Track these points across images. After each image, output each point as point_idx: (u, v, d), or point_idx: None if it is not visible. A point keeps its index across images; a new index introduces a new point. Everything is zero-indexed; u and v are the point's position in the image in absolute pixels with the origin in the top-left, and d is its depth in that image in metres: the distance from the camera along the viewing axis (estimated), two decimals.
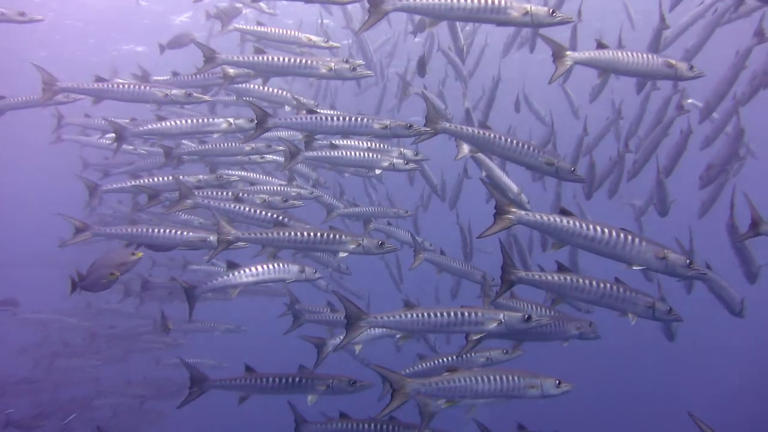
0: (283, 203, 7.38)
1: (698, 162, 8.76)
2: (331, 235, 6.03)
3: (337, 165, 7.73)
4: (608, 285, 4.95)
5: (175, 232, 6.44)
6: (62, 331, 13.33)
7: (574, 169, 5.59)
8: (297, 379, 5.77)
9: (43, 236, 12.51)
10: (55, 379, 12.70)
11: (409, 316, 4.97)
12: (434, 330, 5.07)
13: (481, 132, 5.51)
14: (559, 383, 4.84)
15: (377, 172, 7.57)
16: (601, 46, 5.45)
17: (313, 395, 5.80)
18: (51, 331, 13.52)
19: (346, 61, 6.80)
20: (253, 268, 6.14)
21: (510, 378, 4.82)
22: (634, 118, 9.80)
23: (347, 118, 6.13)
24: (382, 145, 7.57)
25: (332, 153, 7.01)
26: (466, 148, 5.74)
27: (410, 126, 6.05)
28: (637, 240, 4.52)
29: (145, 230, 6.49)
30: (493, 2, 4.86)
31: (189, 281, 6.42)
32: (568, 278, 4.93)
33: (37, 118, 8.88)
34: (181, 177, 7.14)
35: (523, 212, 4.64)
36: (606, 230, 4.51)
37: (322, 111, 6.63)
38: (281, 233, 5.98)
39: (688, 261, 4.56)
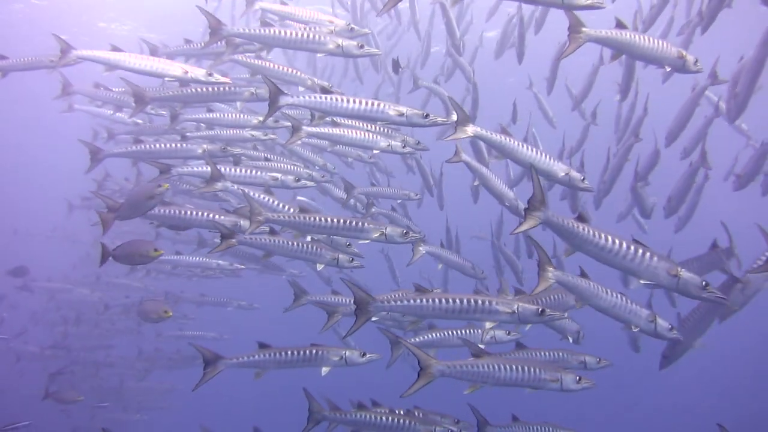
0: (295, 182, 7.42)
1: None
2: (356, 223, 6.20)
3: (338, 143, 7.73)
4: (622, 297, 4.91)
5: (207, 215, 6.55)
6: (73, 303, 13.65)
7: (584, 179, 5.77)
8: (312, 352, 5.86)
9: (62, 209, 12.71)
10: (69, 344, 13.06)
11: (420, 301, 4.95)
12: (445, 316, 5.04)
13: (507, 139, 5.70)
14: (580, 379, 4.93)
15: (374, 152, 7.68)
16: (620, 25, 5.44)
17: (327, 367, 5.91)
18: (62, 302, 13.85)
19: (361, 45, 6.79)
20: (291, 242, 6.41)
21: (533, 369, 4.90)
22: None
23: (364, 102, 6.03)
24: (384, 129, 7.49)
25: (333, 131, 7.02)
26: (462, 154, 6.21)
27: (427, 115, 6.03)
28: (649, 254, 4.40)
29: (177, 211, 6.58)
30: None
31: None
32: (591, 284, 4.91)
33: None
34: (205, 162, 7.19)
35: (550, 213, 4.54)
36: (618, 241, 4.42)
37: (337, 92, 6.53)
38: (308, 218, 6.14)
39: (703, 282, 4.40)
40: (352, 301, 5.30)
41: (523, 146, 5.72)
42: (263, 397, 22.04)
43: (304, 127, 6.71)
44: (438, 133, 11.66)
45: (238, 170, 7.21)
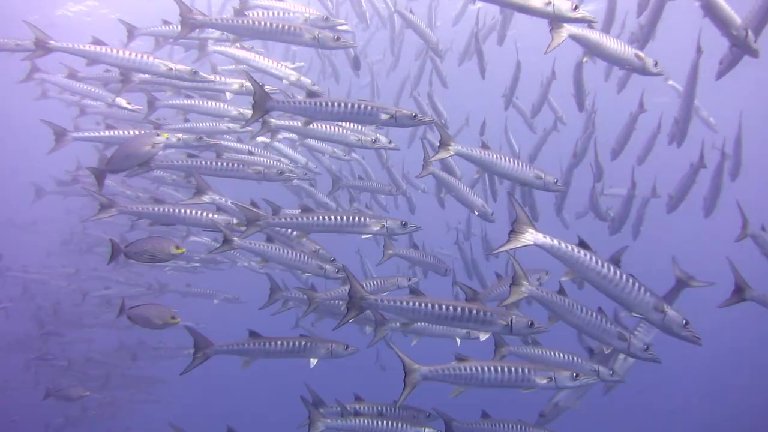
0: (278, 175, 7.41)
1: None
2: (357, 218, 6.31)
3: (308, 137, 7.74)
4: (595, 314, 5.05)
5: (202, 214, 6.52)
6: (49, 293, 13.60)
7: (557, 181, 6.22)
8: (300, 343, 6.07)
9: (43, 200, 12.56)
10: (46, 336, 12.90)
11: (414, 304, 4.95)
12: (438, 321, 5.07)
13: (487, 154, 6.05)
14: (576, 375, 4.85)
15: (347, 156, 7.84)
16: (591, 27, 5.79)
17: (314, 358, 6.14)
18: (37, 293, 13.75)
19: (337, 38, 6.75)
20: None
21: (521, 370, 4.86)
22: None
23: (351, 105, 5.91)
24: (357, 127, 7.53)
25: (316, 126, 7.02)
26: (431, 167, 6.44)
27: (415, 116, 6.02)
28: (642, 289, 4.55)
29: (171, 210, 6.55)
30: None
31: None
32: (565, 300, 5.05)
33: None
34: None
35: (540, 234, 4.53)
36: (617, 272, 4.53)
37: (323, 95, 6.53)
38: (310, 217, 6.23)
39: (684, 321, 4.59)
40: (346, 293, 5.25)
41: (501, 159, 6.10)
42: (253, 389, 22.38)
43: (273, 120, 6.72)
44: (409, 138, 12.14)
45: (221, 163, 7.09)
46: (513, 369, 4.87)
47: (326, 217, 6.28)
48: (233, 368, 6.41)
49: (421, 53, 12.74)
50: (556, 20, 5.22)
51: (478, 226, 12.43)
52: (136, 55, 6.71)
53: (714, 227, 10.88)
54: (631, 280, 4.53)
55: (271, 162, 7.74)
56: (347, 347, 6.24)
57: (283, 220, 6.25)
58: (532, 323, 4.96)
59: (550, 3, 4.98)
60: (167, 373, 13.79)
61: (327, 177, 9.85)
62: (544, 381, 4.79)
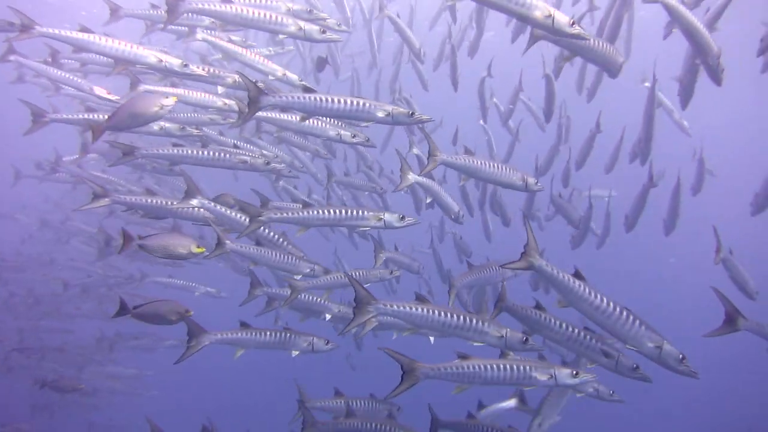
0: (264, 165, 7.41)
1: None
2: (356, 212, 6.47)
3: (286, 129, 7.76)
4: (576, 330, 5.15)
5: (195, 209, 6.49)
6: (26, 282, 13.42)
7: (537, 182, 6.67)
8: (285, 335, 6.50)
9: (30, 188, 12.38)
10: (21, 326, 12.91)
11: (419, 310, 5.12)
12: (439, 329, 5.21)
13: (471, 161, 6.41)
14: (576, 373, 4.90)
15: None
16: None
17: (296, 351, 6.59)
18: (10, 280, 13.63)
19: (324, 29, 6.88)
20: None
21: (522, 367, 4.93)
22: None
23: (349, 102, 5.92)
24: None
25: (282, 116, 7.05)
26: (411, 177, 6.79)
27: (412, 114, 6.10)
28: (637, 322, 4.64)
29: (166, 203, 6.58)
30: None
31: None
32: (543, 315, 5.16)
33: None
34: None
35: (544, 262, 4.79)
36: (611, 304, 4.66)
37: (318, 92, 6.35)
38: (311, 212, 6.35)
39: (681, 356, 4.65)
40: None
41: (485, 164, 6.45)
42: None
43: (266, 97, 6.63)
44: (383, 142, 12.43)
45: (206, 153, 7.08)
46: (514, 367, 4.93)
47: (327, 211, 6.40)
48: (222, 360, 6.55)
49: (396, 57, 13.07)
50: (553, 34, 5.34)
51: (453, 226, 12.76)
52: (125, 45, 6.61)
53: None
54: (625, 313, 4.63)
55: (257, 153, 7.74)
56: (328, 342, 6.67)
57: (284, 215, 6.37)
58: (526, 339, 5.13)
59: (549, 16, 5.12)
60: (148, 365, 13.90)
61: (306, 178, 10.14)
62: (545, 378, 4.87)
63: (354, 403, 7.16)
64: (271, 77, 7.98)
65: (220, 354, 6.65)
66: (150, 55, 6.65)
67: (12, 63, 8.45)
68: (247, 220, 6.35)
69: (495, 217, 11.53)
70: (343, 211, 6.43)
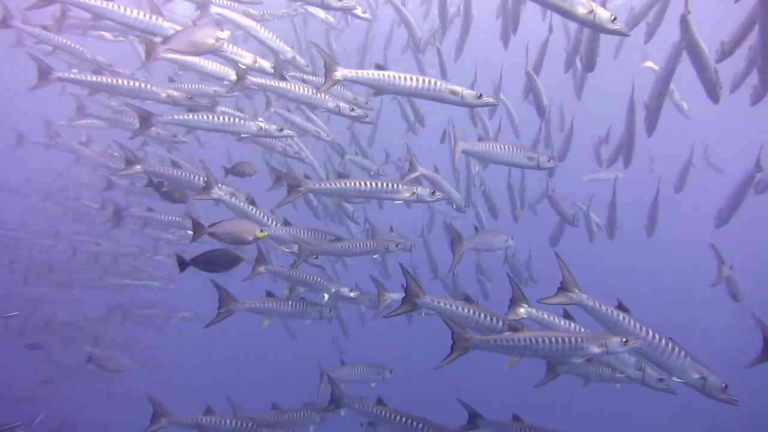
0: (278, 131, 7.51)
1: None
2: (391, 185, 6.71)
3: (284, 97, 7.70)
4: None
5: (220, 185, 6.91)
6: (32, 253, 13.57)
7: (549, 159, 6.97)
8: (301, 305, 7.18)
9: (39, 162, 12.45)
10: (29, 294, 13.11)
11: (463, 310, 5.35)
12: (481, 331, 5.33)
13: (489, 145, 6.83)
14: (626, 341, 4.79)
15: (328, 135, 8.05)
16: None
17: (309, 319, 7.39)
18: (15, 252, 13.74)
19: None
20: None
21: (574, 339, 4.86)
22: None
23: (422, 80, 5.93)
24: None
25: (280, 84, 7.07)
26: (419, 167, 7.19)
27: (480, 95, 6.08)
28: (683, 354, 4.74)
29: (193, 176, 7.04)
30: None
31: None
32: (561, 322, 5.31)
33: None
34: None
35: (584, 296, 4.93)
36: (657, 336, 4.77)
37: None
38: (348, 183, 6.59)
39: (724, 386, 4.72)
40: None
41: (501, 148, 6.85)
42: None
43: (249, 77, 6.78)
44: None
45: (221, 118, 7.18)
46: (567, 339, 4.85)
47: (363, 183, 6.61)
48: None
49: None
50: (595, 29, 5.45)
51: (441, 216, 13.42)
52: (143, 15, 6.59)
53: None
54: (671, 345, 4.74)
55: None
56: (330, 310, 7.41)
57: (322, 185, 6.64)
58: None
59: (592, 11, 5.21)
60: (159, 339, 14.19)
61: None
62: (597, 348, 4.79)
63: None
64: (281, 57, 7.95)
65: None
66: (169, 27, 6.60)
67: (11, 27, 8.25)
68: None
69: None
70: (379, 184, 6.67)
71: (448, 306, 5.37)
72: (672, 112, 10.35)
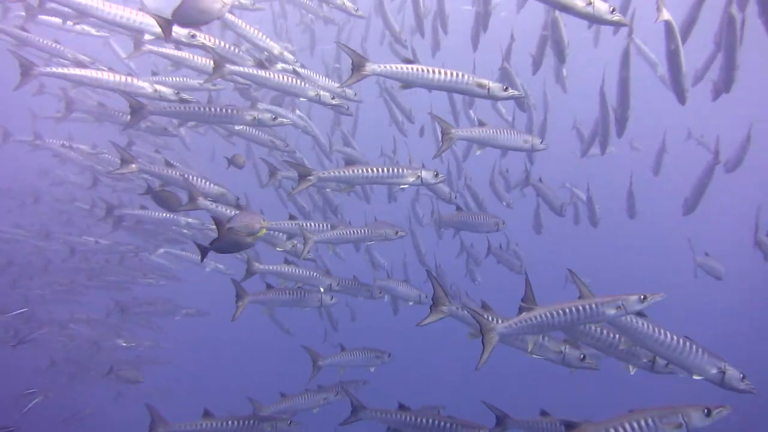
0: (272, 120, 7.60)
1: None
2: (397, 170, 6.92)
3: (263, 86, 7.66)
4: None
5: (212, 186, 7.37)
6: (24, 253, 13.46)
7: (542, 141, 7.11)
8: (303, 293, 7.85)
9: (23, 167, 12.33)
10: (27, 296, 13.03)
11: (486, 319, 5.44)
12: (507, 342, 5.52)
13: (486, 130, 6.86)
14: (644, 297, 4.85)
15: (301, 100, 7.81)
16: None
17: (311, 306, 7.99)
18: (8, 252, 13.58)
19: None
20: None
21: (590, 305, 4.92)
22: None
23: (448, 73, 5.99)
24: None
25: (260, 73, 7.04)
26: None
27: (506, 88, 6.20)
28: (700, 351, 4.88)
29: (186, 175, 7.31)
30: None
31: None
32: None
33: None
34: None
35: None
36: (674, 337, 4.93)
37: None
38: (355, 170, 6.85)
39: (742, 376, 4.83)
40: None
41: (498, 132, 6.91)
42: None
43: (228, 66, 6.78)
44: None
45: (215, 109, 7.26)
46: (583, 307, 4.93)
47: (369, 170, 6.89)
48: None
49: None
50: (594, 22, 5.47)
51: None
52: (129, 12, 6.46)
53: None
54: (688, 344, 4.88)
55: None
56: (332, 298, 8.01)
57: (332, 173, 6.90)
58: (584, 357, 5.51)
59: (590, 4, 5.26)
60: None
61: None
62: (614, 310, 4.84)
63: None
64: (265, 54, 8.02)
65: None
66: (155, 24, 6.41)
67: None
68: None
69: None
70: (385, 169, 6.89)
71: (468, 312, 5.56)
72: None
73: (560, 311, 4.93)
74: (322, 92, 7.43)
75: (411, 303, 9.27)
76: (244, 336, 21.12)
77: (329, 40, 13.96)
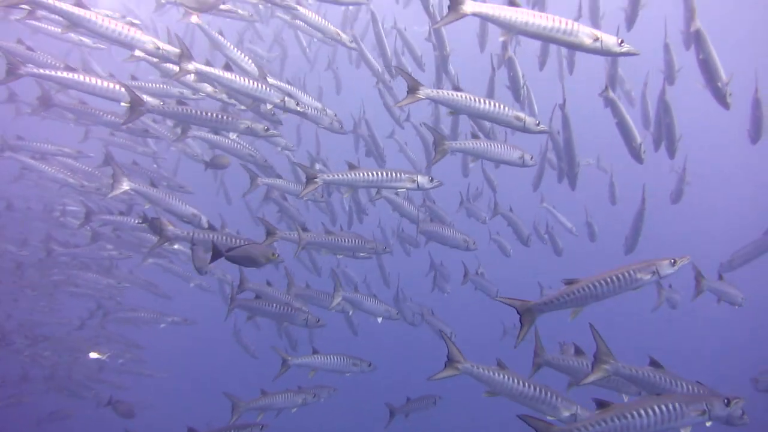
0: (264, 132, 7.93)
1: None
2: (395, 174, 7.27)
3: (229, 89, 7.59)
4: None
5: (185, 206, 7.70)
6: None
7: (538, 123, 7.05)
8: (289, 309, 8.11)
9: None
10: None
11: (499, 376, 5.72)
12: (515, 398, 5.70)
13: (479, 143, 7.17)
14: (674, 261, 5.04)
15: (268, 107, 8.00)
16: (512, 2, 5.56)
17: (295, 324, 8.30)
18: None
19: None
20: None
21: (625, 273, 5.06)
22: None
23: (492, 104, 6.46)
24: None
25: (225, 74, 7.09)
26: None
27: (538, 123, 6.78)
28: (703, 391, 5.07)
29: (168, 197, 7.67)
30: (566, 25, 5.29)
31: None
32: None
33: None
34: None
35: (620, 364, 5.24)
36: (685, 384, 5.19)
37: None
38: (357, 174, 7.23)
39: (742, 412, 5.22)
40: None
41: (492, 146, 7.16)
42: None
43: (194, 64, 6.83)
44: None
45: (210, 114, 7.46)
46: (620, 275, 5.08)
47: (370, 173, 7.28)
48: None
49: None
50: (604, 55, 5.58)
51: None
52: (122, 28, 6.49)
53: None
54: (696, 388, 5.15)
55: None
56: (318, 320, 8.22)
57: (335, 176, 7.33)
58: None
59: (598, 39, 5.33)
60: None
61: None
62: (649, 276, 5.05)
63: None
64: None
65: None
66: (148, 41, 6.61)
67: None
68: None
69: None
70: (385, 173, 7.27)
71: (486, 372, 5.78)
72: None
73: (600, 282, 5.06)
74: (286, 98, 7.58)
75: (380, 319, 9.38)
76: (223, 345, 21.09)
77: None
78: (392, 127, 13.28)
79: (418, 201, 10.93)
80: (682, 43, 8.65)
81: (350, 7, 12.78)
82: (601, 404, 4.77)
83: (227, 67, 7.15)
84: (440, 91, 6.35)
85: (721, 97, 7.59)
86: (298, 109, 7.87)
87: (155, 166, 11.00)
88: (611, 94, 8.36)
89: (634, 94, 12.60)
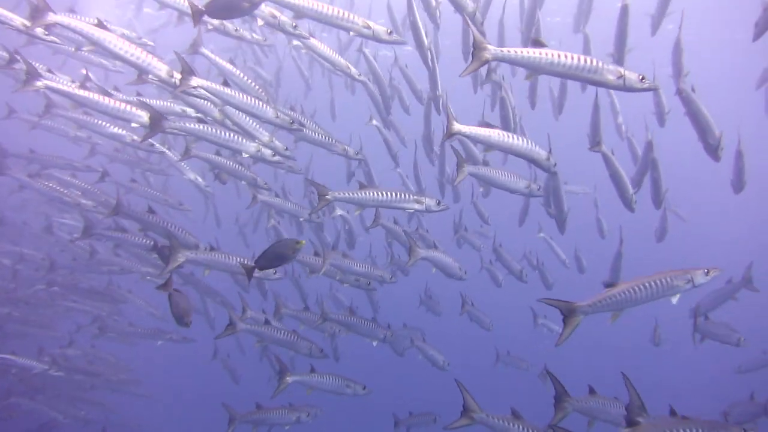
0: (271, 157, 8.00)
1: None
2: (404, 195, 7.51)
3: (228, 104, 7.39)
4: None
5: (186, 235, 8.28)
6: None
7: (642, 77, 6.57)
8: (293, 337, 8.32)
9: None
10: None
11: (514, 426, 6.03)
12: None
13: (492, 171, 7.37)
14: (708, 272, 5.32)
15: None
16: (537, 43, 5.51)
17: (298, 352, 8.47)
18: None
19: None
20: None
21: (662, 280, 5.29)
22: None
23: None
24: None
25: (225, 90, 7.04)
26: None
27: (643, 78, 5.53)
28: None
29: (163, 222, 8.28)
30: (590, 63, 5.36)
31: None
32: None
33: None
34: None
35: (650, 416, 5.35)
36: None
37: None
38: (366, 193, 7.45)
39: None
40: None
41: (502, 174, 7.37)
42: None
43: (194, 78, 6.78)
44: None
45: (228, 134, 7.58)
46: (658, 282, 5.32)
47: (380, 193, 7.49)
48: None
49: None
50: (626, 91, 5.58)
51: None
52: (139, 51, 6.58)
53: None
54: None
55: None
56: (321, 350, 8.40)
57: (345, 194, 7.48)
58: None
59: (621, 76, 5.42)
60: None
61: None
62: (684, 283, 5.34)
63: None
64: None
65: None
66: (163, 67, 6.69)
67: None
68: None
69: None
70: (394, 194, 7.49)
71: (500, 422, 6.14)
72: None
73: (641, 286, 5.28)
74: (281, 115, 7.55)
75: (375, 343, 9.39)
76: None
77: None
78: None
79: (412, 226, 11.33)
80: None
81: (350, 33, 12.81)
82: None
83: (225, 83, 7.14)
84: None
85: (712, 151, 7.86)
86: (293, 127, 7.92)
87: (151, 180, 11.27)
88: (603, 148, 8.45)
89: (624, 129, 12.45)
